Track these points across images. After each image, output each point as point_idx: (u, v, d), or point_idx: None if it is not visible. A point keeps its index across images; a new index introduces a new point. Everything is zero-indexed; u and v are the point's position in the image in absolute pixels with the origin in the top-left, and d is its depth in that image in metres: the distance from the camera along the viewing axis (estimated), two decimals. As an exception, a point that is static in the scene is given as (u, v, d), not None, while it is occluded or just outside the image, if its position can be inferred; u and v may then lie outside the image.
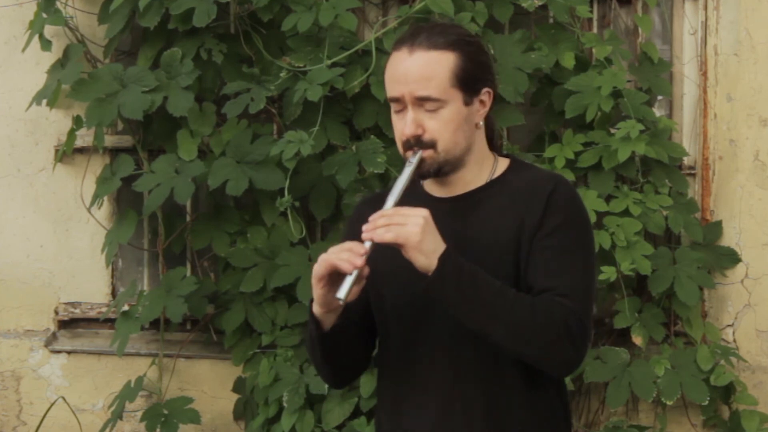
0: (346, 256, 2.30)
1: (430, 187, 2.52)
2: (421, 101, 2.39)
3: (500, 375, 2.42)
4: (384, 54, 4.21)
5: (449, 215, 2.43)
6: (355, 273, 2.30)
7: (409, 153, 2.43)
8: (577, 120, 4.28)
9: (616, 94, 4.23)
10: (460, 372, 2.42)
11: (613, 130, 4.29)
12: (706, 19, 4.40)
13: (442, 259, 2.29)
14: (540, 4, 4.32)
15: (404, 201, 2.38)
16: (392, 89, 2.42)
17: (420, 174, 2.43)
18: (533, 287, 2.38)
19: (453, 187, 2.49)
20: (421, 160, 2.42)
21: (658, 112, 4.43)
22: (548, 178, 2.47)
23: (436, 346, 2.44)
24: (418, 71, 2.38)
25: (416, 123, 2.40)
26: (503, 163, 2.53)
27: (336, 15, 4.18)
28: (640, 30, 4.44)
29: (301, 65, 4.25)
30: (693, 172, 4.44)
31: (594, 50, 4.34)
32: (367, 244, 2.31)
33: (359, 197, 4.28)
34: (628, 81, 4.34)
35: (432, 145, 2.41)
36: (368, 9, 4.52)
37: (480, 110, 2.46)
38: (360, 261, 2.29)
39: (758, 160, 4.37)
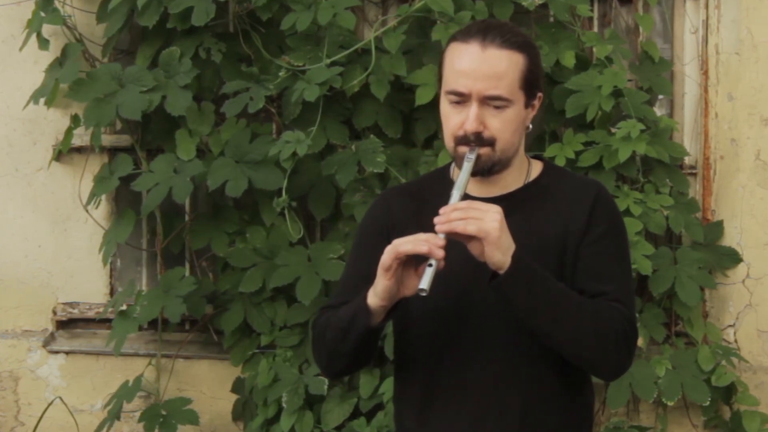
0: (425, 246, 2.25)
1: (469, 186, 2.48)
2: (488, 99, 2.37)
3: (538, 378, 2.41)
4: (383, 53, 4.20)
5: None
6: (435, 263, 2.25)
7: (462, 148, 2.40)
8: (578, 119, 4.26)
9: (617, 93, 4.21)
10: (498, 375, 2.41)
11: (613, 130, 4.28)
12: (707, 18, 4.38)
13: (516, 257, 2.28)
14: (540, 2, 4.31)
15: (442, 200, 2.36)
16: (457, 83, 2.38)
17: (473, 171, 2.40)
18: (584, 291, 2.39)
19: (492, 187, 2.48)
20: (477, 157, 2.40)
21: (658, 111, 4.42)
22: (589, 184, 2.50)
23: (474, 347, 2.42)
24: (490, 69, 2.36)
25: (479, 119, 2.38)
26: (537, 166, 2.54)
27: (335, 14, 4.16)
28: (640, 29, 4.42)
29: (301, 64, 4.24)
30: (694, 171, 4.43)
31: (594, 49, 4.33)
32: (441, 237, 2.27)
33: (358, 197, 4.27)
34: (629, 80, 4.33)
35: (491, 143, 2.40)
36: (367, 8, 4.50)
37: (531, 113, 2.46)
38: (441, 251, 2.25)
39: (759, 160, 4.36)
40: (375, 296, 2.35)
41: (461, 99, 2.38)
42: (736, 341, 4.39)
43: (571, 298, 2.33)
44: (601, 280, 2.40)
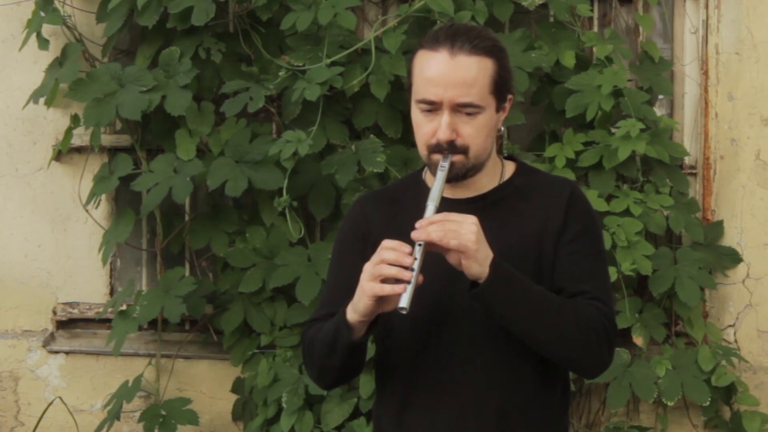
0: (393, 256, 2.25)
1: (444, 188, 2.47)
2: (460, 107, 2.36)
3: (516, 378, 2.42)
4: (383, 53, 4.20)
5: None
6: (414, 281, 2.26)
7: (435, 156, 2.40)
8: (578, 119, 4.26)
9: (617, 93, 4.21)
10: (476, 375, 2.42)
11: (613, 130, 4.27)
12: (707, 18, 4.38)
13: (494, 266, 2.29)
14: (540, 2, 4.31)
15: (417, 205, 2.37)
16: (428, 92, 2.37)
17: (448, 178, 2.40)
18: (563, 291, 2.40)
19: (466, 190, 2.49)
20: (451, 164, 2.39)
21: (658, 111, 4.42)
22: (563, 184, 2.51)
23: (451, 349, 2.43)
24: (461, 77, 2.35)
25: (452, 128, 2.37)
26: (510, 166, 2.54)
27: (335, 14, 4.16)
28: (640, 29, 4.42)
29: (300, 64, 4.23)
30: (694, 171, 4.43)
31: (595, 49, 4.32)
32: (418, 249, 2.27)
33: (358, 197, 4.26)
34: (629, 80, 4.32)
35: (464, 150, 2.39)
36: (367, 8, 4.50)
37: (502, 116, 2.47)
38: (409, 259, 2.25)
39: (759, 160, 4.36)
40: (354, 312, 2.35)
41: (432, 107, 2.38)
42: (736, 341, 4.39)
43: (551, 301, 2.35)
44: (579, 279, 2.42)
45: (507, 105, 2.46)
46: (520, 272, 2.34)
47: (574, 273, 2.42)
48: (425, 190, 2.44)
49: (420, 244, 2.28)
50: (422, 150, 2.42)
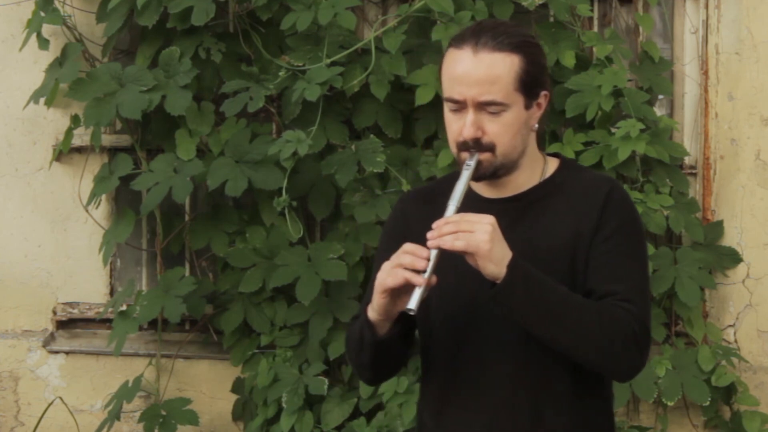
0: (408, 261, 2.25)
1: (480, 188, 2.47)
2: (484, 104, 2.34)
3: (549, 379, 2.39)
4: (383, 53, 4.20)
5: (501, 217, 2.37)
6: (423, 284, 2.25)
7: (465, 154, 2.37)
8: (578, 119, 4.26)
9: (617, 93, 4.21)
10: (509, 375, 2.39)
11: (613, 130, 4.27)
12: (707, 18, 4.38)
13: (511, 267, 2.26)
14: (540, 2, 4.30)
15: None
16: (452, 90, 2.36)
17: (476, 177, 2.38)
18: (594, 292, 2.36)
19: (504, 189, 2.45)
20: (478, 163, 2.36)
21: (658, 111, 4.42)
22: (603, 181, 2.45)
23: (485, 349, 2.41)
24: (482, 74, 2.32)
25: (476, 125, 2.35)
26: (553, 164, 2.50)
27: (335, 14, 4.16)
28: (640, 29, 4.42)
29: (300, 64, 4.23)
30: (694, 171, 4.43)
31: (594, 49, 4.32)
32: (433, 252, 2.26)
33: (358, 197, 4.26)
34: (629, 80, 4.32)
35: (491, 148, 2.36)
36: (368, 8, 4.50)
37: (536, 113, 2.42)
38: (420, 278, 2.25)
39: (760, 160, 4.36)
40: (373, 311, 2.36)
41: (458, 106, 2.36)
42: (736, 341, 4.39)
43: (572, 303, 2.31)
44: (611, 279, 2.36)
45: (542, 101, 2.41)
46: (543, 273, 2.31)
47: (605, 273, 2.37)
48: (471, 192, 2.41)
49: None
50: (453, 148, 2.40)
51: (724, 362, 4.27)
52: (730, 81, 4.37)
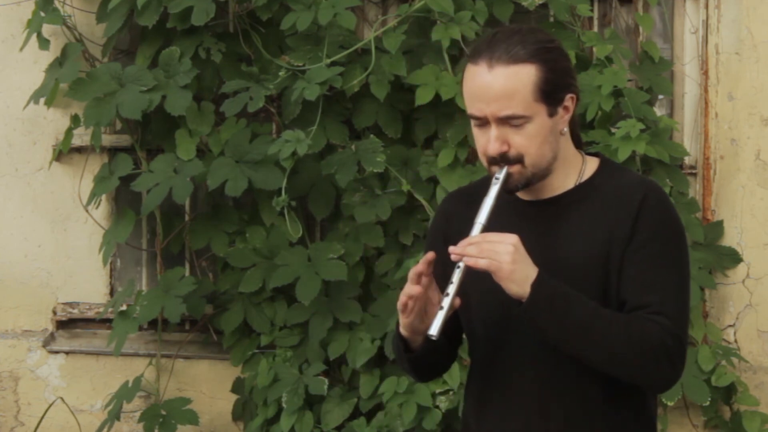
0: (408, 292, 2.28)
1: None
2: (505, 119, 2.30)
3: (581, 388, 2.36)
4: (383, 53, 4.20)
5: (536, 221, 2.35)
6: (446, 308, 2.24)
7: (495, 168, 2.33)
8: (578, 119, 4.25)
9: (617, 93, 4.21)
10: (542, 381, 2.37)
11: (613, 130, 4.27)
12: (707, 18, 4.38)
13: (535, 286, 2.23)
14: (540, 2, 4.30)
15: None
16: (473, 107, 2.32)
17: (507, 189, 2.33)
18: (628, 303, 2.31)
19: (540, 192, 2.40)
20: (509, 175, 2.33)
21: (658, 111, 4.42)
22: (638, 184, 2.37)
23: (518, 354, 2.39)
24: (499, 89, 2.28)
25: (501, 140, 2.31)
26: (592, 164, 2.44)
27: (335, 14, 4.16)
28: (640, 29, 4.42)
29: (300, 64, 4.23)
30: (694, 171, 4.43)
31: (594, 49, 4.32)
32: (456, 272, 2.25)
33: (358, 197, 4.26)
34: (629, 80, 4.32)
35: (519, 160, 2.32)
36: (368, 8, 4.50)
37: (564, 116, 2.36)
38: (417, 289, 2.26)
39: (760, 160, 4.36)
40: (403, 328, 2.36)
41: (481, 122, 2.33)
42: (736, 341, 4.39)
43: (600, 319, 2.26)
44: (644, 290, 2.30)
45: (568, 104, 2.36)
46: (574, 281, 2.27)
47: (639, 284, 2.30)
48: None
49: (459, 267, 2.25)
50: (484, 163, 2.38)
51: (724, 362, 4.27)
52: (730, 81, 4.36)
